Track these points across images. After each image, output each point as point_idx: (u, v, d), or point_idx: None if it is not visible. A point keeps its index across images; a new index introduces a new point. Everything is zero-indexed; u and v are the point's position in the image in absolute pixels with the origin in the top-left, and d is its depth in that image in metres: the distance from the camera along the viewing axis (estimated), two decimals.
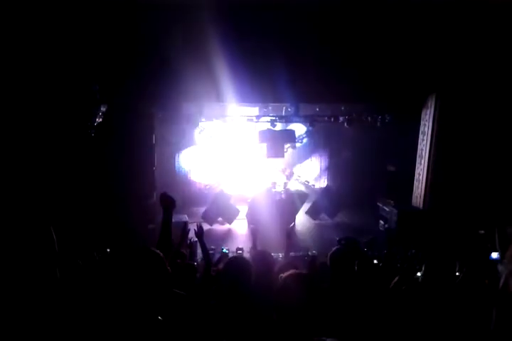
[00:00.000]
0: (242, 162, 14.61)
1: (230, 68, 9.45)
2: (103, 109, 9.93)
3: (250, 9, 9.07)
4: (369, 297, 3.34)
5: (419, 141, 11.99)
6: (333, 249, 3.76)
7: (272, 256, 4.21)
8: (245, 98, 10.44)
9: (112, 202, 9.96)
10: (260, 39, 9.49)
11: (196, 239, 4.70)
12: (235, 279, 3.06)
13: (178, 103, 11.38)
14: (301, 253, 9.79)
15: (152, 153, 11.23)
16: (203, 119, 12.41)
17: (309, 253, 9.75)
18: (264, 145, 13.30)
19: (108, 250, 6.73)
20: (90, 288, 3.05)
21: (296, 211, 12.56)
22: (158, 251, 2.25)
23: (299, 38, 9.70)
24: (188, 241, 6.61)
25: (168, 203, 3.35)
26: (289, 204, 12.30)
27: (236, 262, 3.23)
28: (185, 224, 9.74)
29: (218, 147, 14.13)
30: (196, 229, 4.59)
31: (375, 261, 7.54)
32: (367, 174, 13.57)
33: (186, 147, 14.14)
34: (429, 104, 11.54)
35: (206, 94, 10.16)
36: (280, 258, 8.82)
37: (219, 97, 10.26)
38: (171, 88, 10.08)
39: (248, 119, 12.64)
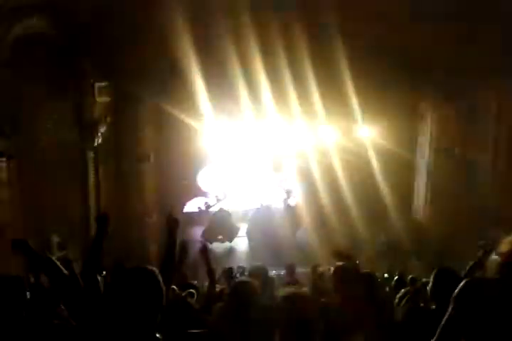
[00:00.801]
0: (243, 178, 14.59)
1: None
2: (102, 129, 10.01)
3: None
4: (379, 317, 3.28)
5: (417, 151, 12.09)
6: (337, 265, 3.73)
7: (268, 273, 4.18)
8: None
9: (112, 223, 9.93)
10: None
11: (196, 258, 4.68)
12: (242, 304, 3.01)
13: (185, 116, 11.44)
14: (307, 270, 9.71)
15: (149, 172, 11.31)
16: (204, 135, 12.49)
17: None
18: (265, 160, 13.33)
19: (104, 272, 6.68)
20: (89, 307, 3.02)
21: (298, 226, 12.53)
22: (154, 270, 2.24)
23: (291, 51, 9.86)
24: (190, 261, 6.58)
25: (173, 224, 3.34)
26: (290, 219, 12.29)
27: (242, 287, 3.16)
28: (186, 243, 9.70)
29: (219, 163, 14.10)
30: (200, 247, 4.58)
31: (386, 275, 7.53)
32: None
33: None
34: (425, 116, 11.66)
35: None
36: (281, 275, 8.77)
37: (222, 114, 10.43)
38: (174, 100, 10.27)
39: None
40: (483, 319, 2.04)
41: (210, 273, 4.54)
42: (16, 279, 3.14)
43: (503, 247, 2.14)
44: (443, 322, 2.18)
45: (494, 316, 2.01)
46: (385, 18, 9.41)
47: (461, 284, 2.14)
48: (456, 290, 2.14)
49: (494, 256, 2.21)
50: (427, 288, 3.34)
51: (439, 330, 2.19)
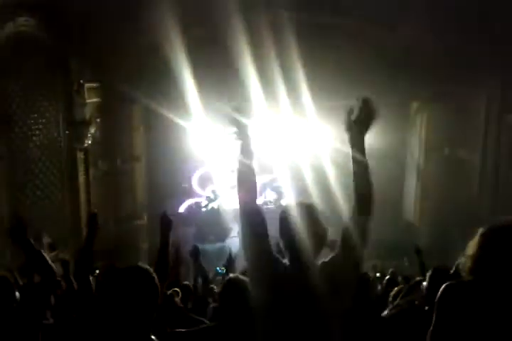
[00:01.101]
0: (234, 178, 14.53)
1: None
2: (92, 130, 9.96)
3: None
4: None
5: (408, 151, 12.14)
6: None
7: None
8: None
9: (102, 223, 9.90)
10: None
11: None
12: (234, 301, 3.00)
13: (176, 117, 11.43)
14: None
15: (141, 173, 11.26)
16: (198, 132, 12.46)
17: None
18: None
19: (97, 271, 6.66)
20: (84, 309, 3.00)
21: None
22: (149, 268, 2.23)
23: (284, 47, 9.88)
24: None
25: (166, 224, 3.33)
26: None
27: (233, 284, 3.14)
28: (178, 243, 9.67)
29: (210, 163, 14.05)
30: (191, 249, 4.60)
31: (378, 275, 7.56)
32: None
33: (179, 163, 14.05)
34: (415, 116, 11.72)
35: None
36: None
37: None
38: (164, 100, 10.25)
39: None
40: (465, 322, 2.04)
41: (202, 275, 4.56)
42: (1, 279, 3.10)
43: (469, 250, 2.14)
44: (431, 328, 2.18)
45: (476, 318, 2.01)
46: (379, 18, 9.50)
47: (441, 289, 2.14)
48: (438, 296, 2.14)
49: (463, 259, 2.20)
50: (421, 286, 3.35)
51: (428, 336, 2.19)
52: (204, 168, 14.15)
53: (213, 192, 14.36)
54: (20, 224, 2.96)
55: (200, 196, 14.47)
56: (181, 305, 4.25)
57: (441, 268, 3.28)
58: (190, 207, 14.37)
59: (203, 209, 14.09)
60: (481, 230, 2.13)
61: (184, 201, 14.42)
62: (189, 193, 14.44)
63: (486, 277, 2.04)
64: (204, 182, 14.50)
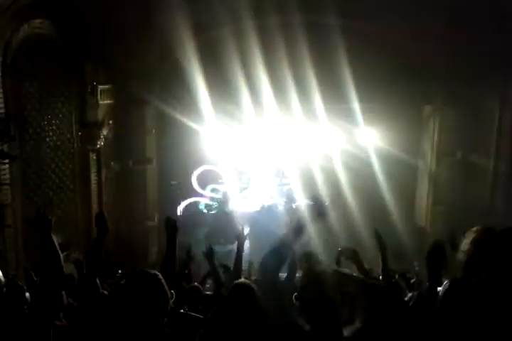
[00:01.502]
0: (245, 180, 14.53)
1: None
2: (104, 132, 10.02)
3: None
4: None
5: (420, 155, 12.06)
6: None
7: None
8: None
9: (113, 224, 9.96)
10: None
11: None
12: (241, 306, 2.96)
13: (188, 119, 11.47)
14: None
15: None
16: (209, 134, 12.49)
17: None
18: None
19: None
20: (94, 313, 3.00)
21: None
22: (157, 273, 2.21)
23: (296, 52, 9.89)
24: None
25: (171, 227, 3.33)
26: (292, 222, 12.24)
27: (240, 290, 3.09)
28: (190, 246, 9.71)
29: (221, 165, 14.04)
30: (206, 251, 4.61)
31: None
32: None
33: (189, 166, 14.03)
34: (428, 120, 11.65)
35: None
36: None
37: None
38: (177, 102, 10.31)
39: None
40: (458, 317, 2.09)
41: (216, 275, 4.58)
42: (10, 281, 3.11)
43: (465, 247, 2.25)
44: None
45: (472, 314, 2.05)
46: (390, 18, 9.47)
47: (444, 286, 2.23)
48: (441, 293, 2.22)
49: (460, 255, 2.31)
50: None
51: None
52: (203, 167, 13.96)
53: (224, 194, 14.32)
54: (45, 215, 2.98)
55: (201, 195, 14.34)
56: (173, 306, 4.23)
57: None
58: (201, 208, 14.26)
59: (212, 212, 14.04)
60: (474, 228, 2.32)
61: (195, 203, 14.33)
62: (199, 195, 14.39)
63: (477, 272, 2.09)
64: (204, 181, 14.33)
